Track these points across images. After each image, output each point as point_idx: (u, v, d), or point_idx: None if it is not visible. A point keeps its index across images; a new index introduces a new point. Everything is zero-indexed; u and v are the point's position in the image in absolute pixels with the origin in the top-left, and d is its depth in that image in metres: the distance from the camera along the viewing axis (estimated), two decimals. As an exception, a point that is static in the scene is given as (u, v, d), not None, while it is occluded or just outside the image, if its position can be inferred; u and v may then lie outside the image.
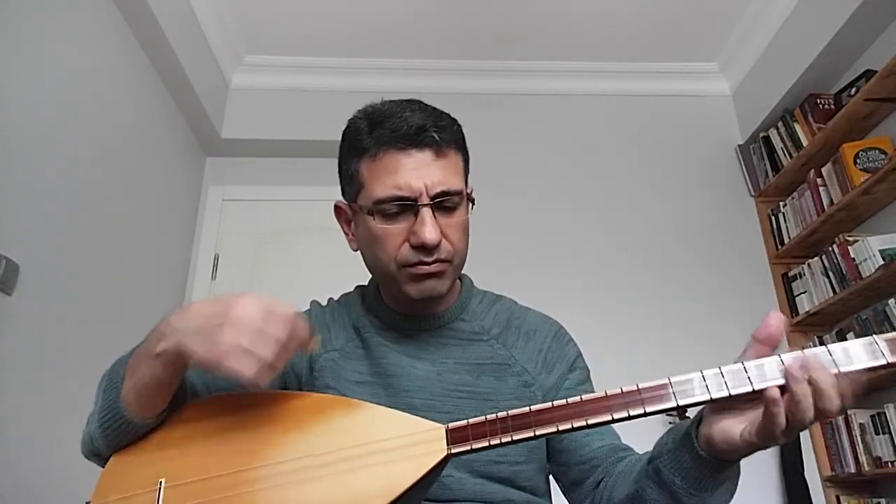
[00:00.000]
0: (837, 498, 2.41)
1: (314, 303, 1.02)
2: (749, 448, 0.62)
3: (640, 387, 0.63)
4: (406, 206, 0.81)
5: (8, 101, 1.64)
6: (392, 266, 0.84)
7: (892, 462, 2.19)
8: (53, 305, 1.81)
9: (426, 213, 0.80)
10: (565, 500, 0.92)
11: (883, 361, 0.58)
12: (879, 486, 2.39)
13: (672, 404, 0.61)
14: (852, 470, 2.32)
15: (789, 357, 0.60)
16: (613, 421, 0.63)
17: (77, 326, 1.93)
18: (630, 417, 0.62)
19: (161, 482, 0.70)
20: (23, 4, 1.70)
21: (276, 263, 2.83)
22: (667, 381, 0.62)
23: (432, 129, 0.81)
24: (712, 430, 0.64)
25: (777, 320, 0.63)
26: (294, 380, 0.93)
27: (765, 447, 0.61)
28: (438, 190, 0.81)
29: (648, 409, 0.62)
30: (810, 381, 0.58)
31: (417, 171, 0.80)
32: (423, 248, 0.81)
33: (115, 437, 0.74)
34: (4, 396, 1.59)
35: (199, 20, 2.62)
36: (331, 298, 1.03)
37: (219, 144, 2.97)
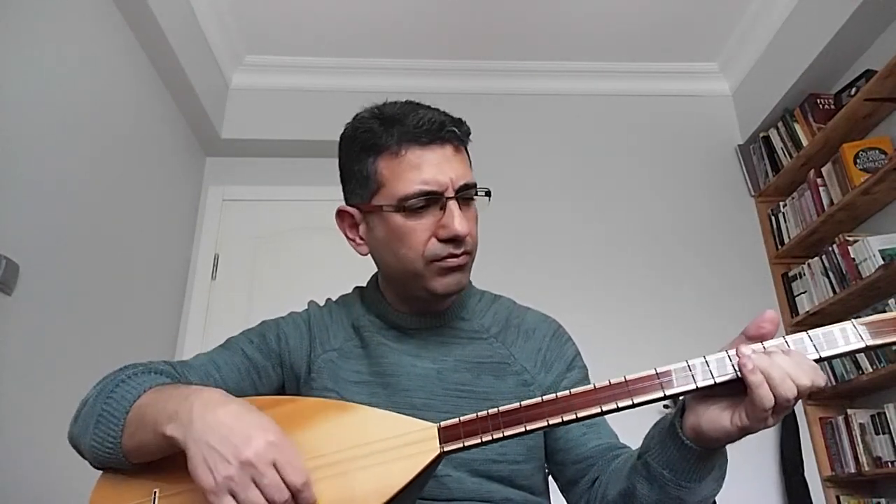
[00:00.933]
0: (837, 498, 2.41)
1: (312, 303, 1.02)
2: (741, 433, 0.63)
3: (627, 378, 0.64)
4: (432, 200, 0.82)
5: (8, 101, 1.64)
6: (419, 263, 0.84)
7: (892, 462, 2.19)
8: (53, 305, 1.81)
9: (454, 205, 0.82)
10: (563, 499, 0.92)
11: (862, 345, 0.61)
12: (879, 486, 2.39)
13: (659, 395, 0.63)
14: (852, 470, 2.32)
15: (750, 348, 0.62)
16: (602, 413, 0.63)
17: (77, 326, 1.93)
18: (619, 409, 0.63)
19: (155, 492, 0.70)
20: (23, 4, 1.70)
21: (276, 263, 2.83)
22: (653, 371, 0.64)
23: (450, 124, 0.84)
24: (700, 420, 0.65)
25: (771, 324, 0.63)
26: (293, 380, 0.93)
27: (757, 430, 0.62)
28: (462, 183, 0.83)
29: (636, 401, 0.63)
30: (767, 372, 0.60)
31: (440, 166, 0.82)
32: (453, 241, 0.82)
33: (106, 465, 0.75)
34: (4, 396, 1.60)
35: (199, 20, 2.62)
36: (328, 299, 1.03)
37: (219, 144, 2.97)
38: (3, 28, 1.63)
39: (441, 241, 0.82)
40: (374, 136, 0.84)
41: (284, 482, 0.60)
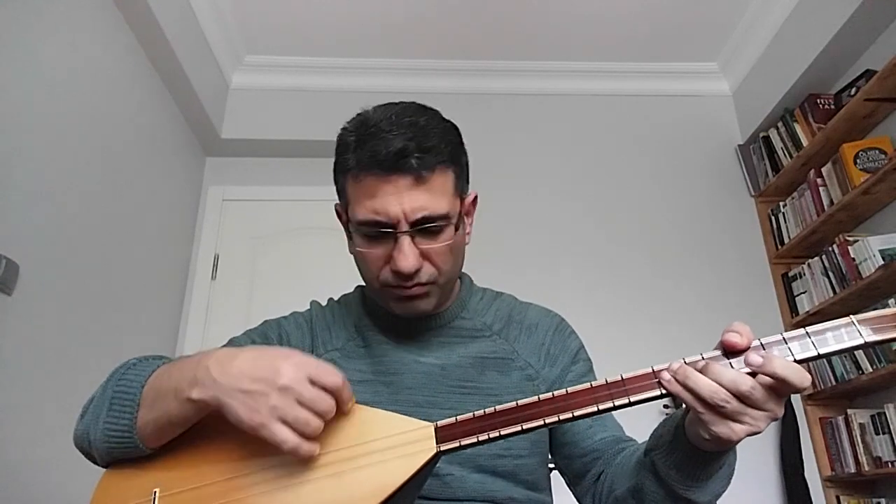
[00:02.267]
0: (837, 498, 2.41)
1: (314, 303, 1.02)
2: (712, 444, 0.62)
3: (624, 377, 0.64)
4: (383, 232, 0.80)
5: (8, 101, 1.64)
6: (376, 284, 0.85)
7: (892, 462, 2.19)
8: (53, 305, 1.81)
9: (404, 241, 0.79)
10: (564, 498, 0.92)
11: (861, 341, 0.60)
12: (879, 486, 2.39)
13: (656, 393, 0.62)
14: (852, 470, 2.32)
15: (675, 365, 0.62)
16: (599, 412, 0.63)
17: (77, 326, 1.93)
18: (615, 408, 0.63)
19: (155, 492, 0.70)
20: (23, 4, 1.70)
21: (276, 263, 2.83)
22: (650, 370, 0.63)
23: (414, 153, 0.77)
24: (687, 424, 0.65)
25: (745, 339, 0.62)
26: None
27: (726, 437, 0.60)
28: (418, 216, 0.79)
29: (633, 399, 0.63)
30: (688, 389, 0.60)
31: (396, 197, 0.78)
32: (401, 275, 0.81)
33: (119, 456, 0.74)
34: (4, 396, 1.60)
35: (199, 20, 2.62)
36: (331, 298, 1.04)
37: (219, 144, 2.97)
38: (3, 28, 1.63)
39: (392, 271, 0.81)
40: (345, 152, 0.83)
41: (325, 389, 0.64)
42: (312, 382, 0.64)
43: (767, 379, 0.59)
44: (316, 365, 0.65)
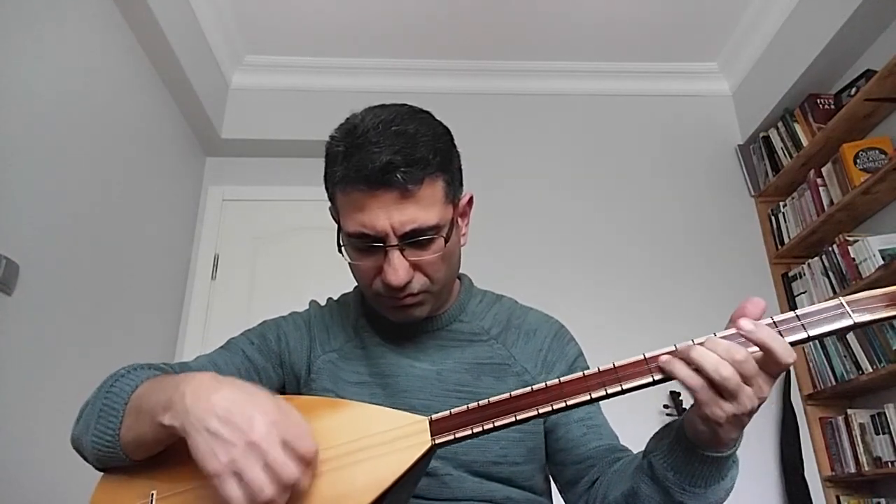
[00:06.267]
0: (837, 498, 2.41)
1: (313, 303, 1.02)
2: (705, 424, 0.62)
3: (616, 365, 0.64)
4: (373, 245, 0.80)
5: (8, 102, 1.64)
6: (369, 293, 0.86)
7: (892, 462, 2.19)
8: (53, 305, 1.81)
9: (393, 255, 0.78)
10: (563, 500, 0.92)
11: (850, 322, 0.60)
12: (879, 486, 2.39)
13: (648, 380, 0.63)
14: (852, 470, 2.32)
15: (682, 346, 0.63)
16: (592, 400, 0.63)
17: (77, 326, 1.93)
18: (608, 395, 0.63)
19: (153, 494, 0.70)
20: (23, 4, 1.70)
21: (276, 263, 2.83)
22: (642, 357, 0.64)
23: (400, 167, 0.75)
24: (689, 416, 0.65)
25: (756, 309, 0.64)
26: (293, 380, 0.94)
27: (717, 417, 0.61)
28: (407, 229, 0.78)
29: (626, 386, 0.63)
30: (691, 364, 0.61)
31: (384, 211, 0.77)
32: (392, 287, 0.81)
33: (108, 464, 0.75)
34: (4, 396, 1.59)
35: (199, 20, 2.62)
36: (330, 298, 1.03)
37: (219, 144, 2.97)
38: (3, 28, 1.63)
39: (383, 282, 0.81)
40: (333, 164, 0.82)
41: (297, 454, 0.60)
42: (285, 445, 0.60)
43: (755, 349, 0.60)
44: (293, 427, 0.61)
